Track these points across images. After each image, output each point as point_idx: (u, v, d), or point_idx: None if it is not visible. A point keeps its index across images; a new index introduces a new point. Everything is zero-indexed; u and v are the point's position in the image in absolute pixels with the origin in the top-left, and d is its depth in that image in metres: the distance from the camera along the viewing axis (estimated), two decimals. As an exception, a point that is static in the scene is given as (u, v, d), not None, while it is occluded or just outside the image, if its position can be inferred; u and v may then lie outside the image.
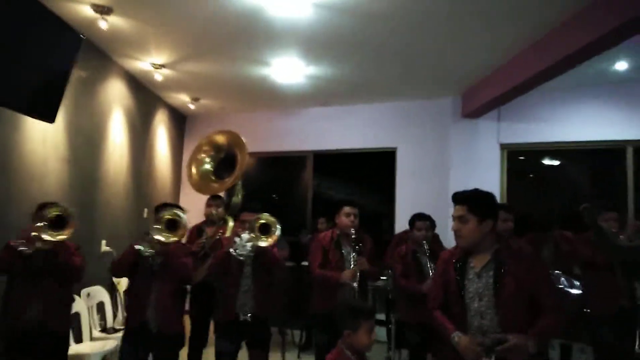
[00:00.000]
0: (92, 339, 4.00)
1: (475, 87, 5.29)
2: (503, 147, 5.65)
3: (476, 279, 2.09)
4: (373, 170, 6.87)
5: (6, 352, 2.64)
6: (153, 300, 2.77)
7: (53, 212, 2.67)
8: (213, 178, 4.19)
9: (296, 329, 5.59)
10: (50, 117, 2.75)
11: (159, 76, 4.92)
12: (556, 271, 3.89)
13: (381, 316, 5.40)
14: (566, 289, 3.84)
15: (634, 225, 3.16)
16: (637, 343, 3.05)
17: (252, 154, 5.09)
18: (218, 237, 3.67)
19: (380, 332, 5.45)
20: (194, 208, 5.99)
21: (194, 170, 4.14)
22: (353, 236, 3.29)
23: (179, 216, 2.86)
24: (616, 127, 5.20)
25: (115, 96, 4.85)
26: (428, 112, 5.94)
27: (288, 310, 5.19)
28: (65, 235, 2.69)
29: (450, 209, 5.52)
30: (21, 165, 3.39)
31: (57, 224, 2.69)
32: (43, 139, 3.62)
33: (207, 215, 4.13)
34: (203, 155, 4.19)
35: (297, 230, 6.44)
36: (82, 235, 4.09)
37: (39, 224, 2.62)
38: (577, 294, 3.76)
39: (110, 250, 4.65)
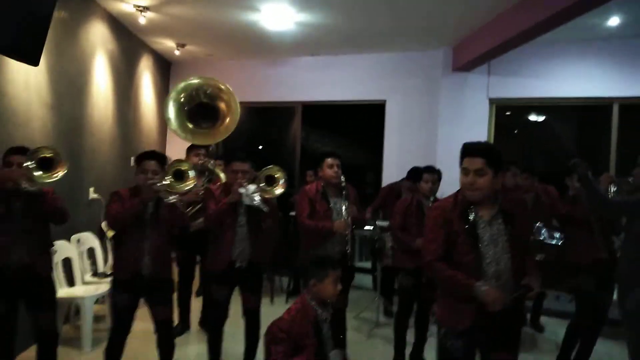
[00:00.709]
0: (84, 283, 4.08)
1: (467, 39, 5.23)
2: (492, 101, 5.68)
3: (488, 226, 2.12)
4: (362, 123, 6.88)
5: None
6: (148, 247, 2.79)
7: (44, 154, 2.64)
8: (190, 125, 4.14)
9: (284, 276, 5.76)
10: (33, 59, 2.65)
11: (142, 19, 4.74)
12: (537, 223, 4.02)
13: (366, 264, 5.59)
14: (546, 240, 3.98)
15: (607, 178, 3.22)
16: (614, 293, 3.19)
17: (239, 104, 5.03)
18: (206, 186, 3.67)
19: (366, 280, 5.66)
20: (180, 156, 5.99)
21: (171, 113, 4.06)
22: (343, 184, 3.34)
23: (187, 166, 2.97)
24: (604, 83, 5.24)
25: (98, 39, 4.68)
26: (418, 65, 5.89)
27: (276, 257, 5.31)
28: (59, 174, 2.67)
29: (437, 164, 5.63)
30: (5, 111, 3.31)
31: (45, 165, 2.66)
32: (25, 83, 3.52)
33: (195, 165, 4.10)
34: (181, 98, 4.11)
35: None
36: (70, 183, 4.09)
37: (27, 163, 2.59)
38: (556, 245, 3.91)
39: (99, 197, 4.65)
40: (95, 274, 4.27)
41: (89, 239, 4.36)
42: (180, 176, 2.98)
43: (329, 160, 3.35)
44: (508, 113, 5.98)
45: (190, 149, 4.18)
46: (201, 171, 4.13)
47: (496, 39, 4.57)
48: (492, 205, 2.16)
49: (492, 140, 5.71)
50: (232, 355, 3.42)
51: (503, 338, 2.16)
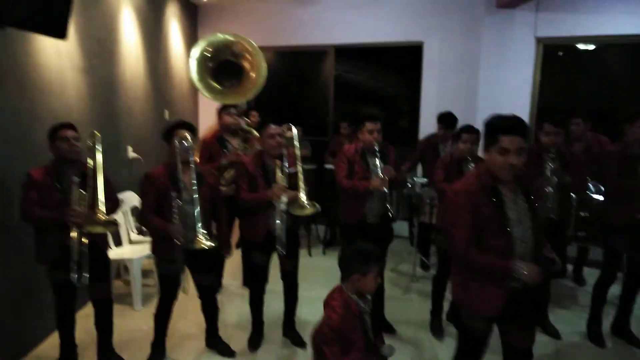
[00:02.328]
0: (130, 241, 4.26)
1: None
2: (539, 40, 5.25)
3: (513, 205, 2.09)
4: (398, 66, 6.56)
5: (54, 267, 2.79)
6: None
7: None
8: (215, 84, 4.03)
9: (321, 225, 5.84)
10: (60, 32, 2.58)
11: (167, -32, 4.51)
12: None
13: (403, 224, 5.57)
14: (592, 194, 3.82)
15: None
16: None
17: (268, 48, 4.87)
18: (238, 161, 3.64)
19: (403, 228, 5.65)
20: (210, 106, 5.93)
21: (194, 73, 3.96)
22: (377, 151, 3.26)
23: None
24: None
25: (123, -8, 4.50)
26: (458, 1, 5.45)
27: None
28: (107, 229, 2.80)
29: (479, 110, 5.39)
30: (39, 81, 3.29)
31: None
32: (57, 51, 3.45)
33: (229, 125, 4.05)
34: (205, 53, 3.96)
35: (318, 129, 6.39)
36: (109, 143, 4.13)
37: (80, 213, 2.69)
38: (601, 201, 3.75)
39: (138, 156, 4.71)
40: (140, 231, 4.44)
41: (132, 198, 4.48)
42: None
43: (369, 125, 3.25)
44: (560, 53, 5.53)
45: (222, 109, 4.11)
46: (235, 131, 4.09)
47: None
48: (513, 183, 2.11)
49: (537, 84, 5.37)
50: (273, 311, 3.57)
51: (526, 317, 2.19)
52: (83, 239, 2.75)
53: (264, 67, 3.94)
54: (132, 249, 4.09)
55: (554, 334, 3.53)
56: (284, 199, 3.04)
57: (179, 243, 2.79)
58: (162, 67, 5.43)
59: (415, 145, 5.33)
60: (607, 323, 3.56)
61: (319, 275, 4.40)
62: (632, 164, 3.23)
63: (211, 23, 6.38)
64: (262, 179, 3.13)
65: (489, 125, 2.10)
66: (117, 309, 3.26)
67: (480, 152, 2.52)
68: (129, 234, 4.29)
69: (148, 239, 4.23)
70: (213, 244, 2.79)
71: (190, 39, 6.21)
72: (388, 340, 2.27)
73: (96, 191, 2.71)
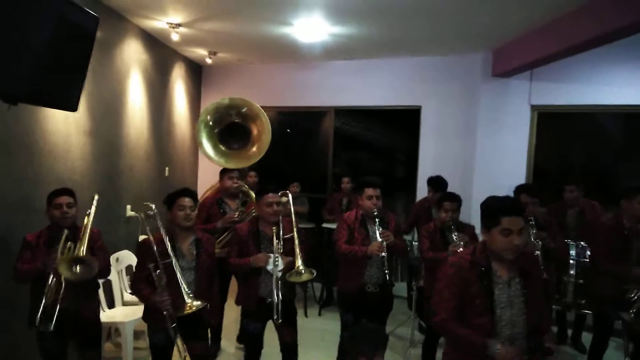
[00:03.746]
0: (123, 302, 4.19)
1: (509, 45, 4.97)
2: (534, 108, 5.42)
3: (506, 287, 2.07)
4: (396, 130, 6.72)
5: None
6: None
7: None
8: (221, 147, 4.12)
9: (317, 283, 5.75)
10: (73, 106, 2.67)
11: (175, 35, 4.71)
12: (570, 241, 3.90)
13: (402, 285, 5.51)
14: (573, 259, 3.82)
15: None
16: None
17: (270, 108, 5.02)
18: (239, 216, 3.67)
19: (402, 289, 5.57)
20: (211, 164, 6.00)
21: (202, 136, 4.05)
22: (376, 216, 3.28)
23: None
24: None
25: (132, 57, 4.68)
26: (456, 69, 5.67)
27: (309, 266, 5.30)
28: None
29: (476, 172, 5.44)
30: (46, 145, 3.37)
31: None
32: (65, 116, 3.56)
33: (229, 188, 4.09)
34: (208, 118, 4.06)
35: (317, 187, 6.45)
36: (108, 202, 4.16)
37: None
38: (584, 263, 3.75)
39: (136, 214, 4.72)
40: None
41: (128, 257, 4.45)
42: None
43: (369, 191, 3.29)
44: (552, 119, 5.67)
45: (223, 172, 4.17)
46: (235, 194, 4.13)
47: (538, 52, 4.33)
48: (511, 264, 2.10)
49: (533, 149, 5.49)
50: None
51: None
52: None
53: (269, 133, 4.04)
54: (124, 311, 4.01)
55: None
56: (280, 265, 3.03)
57: (165, 312, 2.75)
58: (165, 126, 5.55)
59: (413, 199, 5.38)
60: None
61: (316, 337, 4.29)
62: (624, 242, 3.25)
63: (215, 83, 6.59)
64: (254, 246, 3.12)
65: (489, 207, 2.13)
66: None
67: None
68: (122, 295, 4.22)
69: (142, 300, 4.20)
70: (203, 303, 2.74)
71: (194, 97, 6.39)
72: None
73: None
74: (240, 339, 4.26)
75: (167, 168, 5.59)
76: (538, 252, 3.49)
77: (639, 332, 3.28)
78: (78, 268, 2.64)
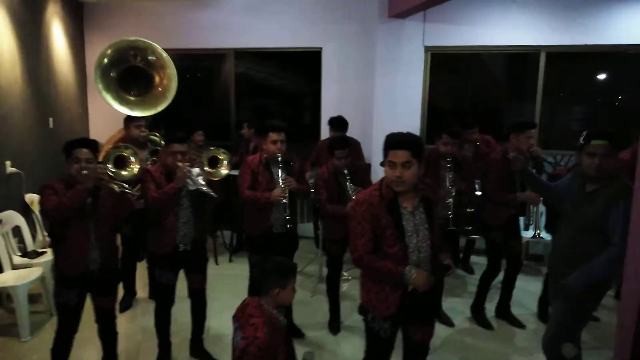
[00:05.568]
0: (13, 266, 3.86)
1: (403, -15, 5.06)
2: (427, 49, 5.65)
3: (411, 217, 2.22)
4: (301, 74, 6.66)
5: None
6: (93, 241, 2.67)
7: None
8: (125, 95, 3.86)
9: (226, 231, 5.74)
10: None
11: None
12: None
13: (309, 225, 5.67)
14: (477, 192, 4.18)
15: (536, 151, 3.44)
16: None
17: (165, 50, 4.68)
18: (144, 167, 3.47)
19: (309, 228, 5.75)
20: (103, 112, 5.57)
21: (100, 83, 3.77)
22: (279, 160, 3.29)
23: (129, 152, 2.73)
24: (533, 32, 5.37)
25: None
26: (354, 10, 5.69)
27: (218, 214, 5.25)
28: None
29: (375, 113, 5.62)
30: None
31: None
32: None
33: (137, 137, 3.85)
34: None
35: (220, 134, 6.28)
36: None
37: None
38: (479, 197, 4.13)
39: (18, 171, 4.28)
40: (24, 254, 4.05)
41: (13, 217, 4.07)
42: (122, 163, 2.79)
43: (273, 135, 3.26)
44: (443, 59, 5.98)
45: (129, 120, 3.89)
46: (143, 143, 3.90)
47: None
48: (414, 195, 2.25)
49: (427, 89, 5.78)
50: (181, 324, 3.47)
51: (423, 315, 2.37)
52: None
53: (175, 78, 3.82)
54: (16, 274, 3.70)
55: (447, 322, 3.85)
56: (195, 170, 3.00)
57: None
58: (43, 71, 4.97)
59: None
60: (490, 307, 3.96)
61: (228, 282, 4.32)
62: (511, 174, 3.52)
63: (99, 23, 5.98)
64: (165, 181, 3.01)
65: (384, 143, 2.23)
66: (1, 342, 2.95)
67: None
68: (11, 259, 3.88)
69: (36, 261, 3.91)
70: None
71: (76, 39, 5.78)
72: (298, 345, 2.32)
73: None
74: (152, 294, 4.08)
75: (50, 119, 5.07)
76: (450, 200, 3.65)
77: (511, 249, 3.73)
78: None
